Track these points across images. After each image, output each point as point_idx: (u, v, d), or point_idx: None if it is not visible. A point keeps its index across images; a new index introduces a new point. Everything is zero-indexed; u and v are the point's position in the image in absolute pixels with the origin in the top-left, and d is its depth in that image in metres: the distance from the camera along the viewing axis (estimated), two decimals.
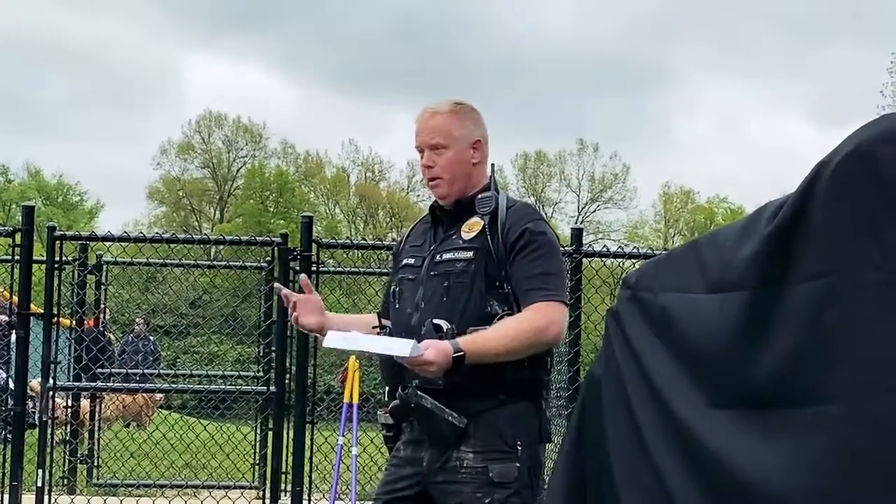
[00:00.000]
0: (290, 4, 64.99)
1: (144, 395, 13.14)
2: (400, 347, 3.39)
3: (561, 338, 3.60)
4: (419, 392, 3.48)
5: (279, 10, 65.16)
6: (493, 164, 3.78)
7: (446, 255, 3.64)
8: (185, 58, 72.35)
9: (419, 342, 3.41)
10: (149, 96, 69.43)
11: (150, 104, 69.54)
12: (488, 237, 3.58)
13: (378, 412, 3.79)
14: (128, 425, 14.04)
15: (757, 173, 65.85)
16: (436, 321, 3.52)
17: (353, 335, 3.60)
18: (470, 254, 3.60)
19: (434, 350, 3.39)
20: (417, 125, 3.74)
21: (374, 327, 3.76)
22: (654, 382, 3.07)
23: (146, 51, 66.83)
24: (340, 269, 10.80)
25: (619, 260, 7.81)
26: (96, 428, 10.56)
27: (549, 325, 3.49)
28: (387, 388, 3.70)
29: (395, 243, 7.87)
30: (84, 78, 68.29)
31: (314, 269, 7.46)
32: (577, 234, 7.79)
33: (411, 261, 3.76)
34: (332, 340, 3.55)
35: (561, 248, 3.84)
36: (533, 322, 3.48)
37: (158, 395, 13.93)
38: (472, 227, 3.66)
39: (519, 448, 3.53)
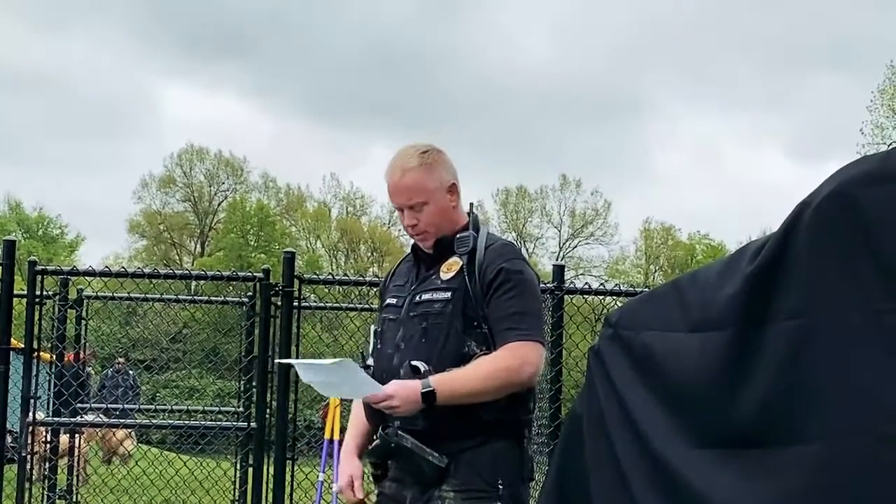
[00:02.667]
0: (264, 34, 65.15)
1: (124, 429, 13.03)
2: (321, 361, 3.45)
3: (536, 378, 3.54)
4: (399, 432, 3.48)
5: (253, 40, 65.32)
6: (472, 203, 3.76)
7: (425, 296, 3.63)
8: (160, 87, 72.30)
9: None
10: (124, 125, 69.23)
11: (126, 133, 69.41)
12: (466, 277, 3.58)
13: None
14: (108, 461, 13.92)
15: (736, 208, 66.20)
16: (413, 363, 3.49)
17: (304, 360, 3.69)
18: (448, 294, 3.58)
19: (397, 384, 3.40)
20: (390, 185, 3.67)
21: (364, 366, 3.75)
22: (636, 420, 3.08)
23: (121, 80, 66.67)
24: (322, 304, 10.79)
25: (600, 297, 7.81)
26: (75, 463, 10.48)
27: (522, 364, 3.45)
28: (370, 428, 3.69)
29: (377, 279, 7.91)
30: (58, 108, 68.23)
31: (296, 304, 7.45)
32: (559, 270, 7.77)
33: (393, 301, 3.75)
34: (285, 360, 3.76)
35: (542, 285, 3.81)
36: (505, 362, 3.44)
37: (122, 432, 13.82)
38: (450, 268, 3.64)
39: (500, 487, 3.50)
